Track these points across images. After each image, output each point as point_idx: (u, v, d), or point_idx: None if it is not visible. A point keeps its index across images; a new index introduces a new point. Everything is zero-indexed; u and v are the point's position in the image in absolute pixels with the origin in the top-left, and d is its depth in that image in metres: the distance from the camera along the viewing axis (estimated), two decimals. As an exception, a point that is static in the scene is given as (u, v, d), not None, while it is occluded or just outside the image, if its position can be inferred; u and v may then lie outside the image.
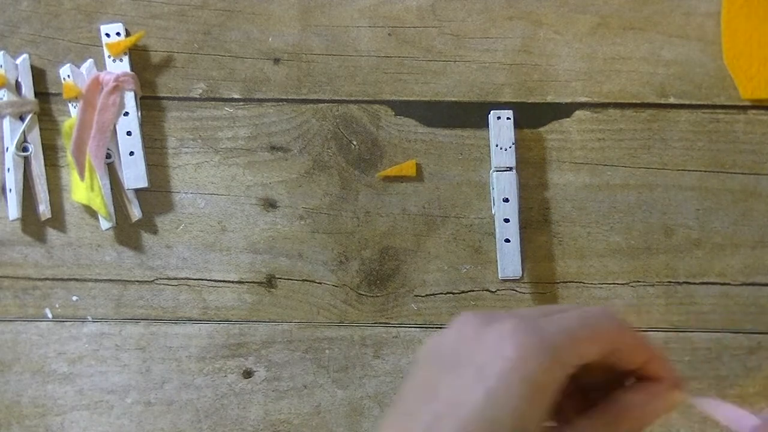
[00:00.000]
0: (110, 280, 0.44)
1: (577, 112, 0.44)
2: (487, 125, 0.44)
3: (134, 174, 0.43)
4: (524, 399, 0.28)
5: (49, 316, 0.44)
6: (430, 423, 0.29)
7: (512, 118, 0.43)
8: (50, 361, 0.43)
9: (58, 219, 0.44)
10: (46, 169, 0.44)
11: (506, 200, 0.42)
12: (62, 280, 0.44)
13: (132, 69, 0.44)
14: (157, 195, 0.44)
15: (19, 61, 0.44)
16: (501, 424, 0.28)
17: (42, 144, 0.44)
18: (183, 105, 0.45)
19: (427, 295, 0.43)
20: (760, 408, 0.42)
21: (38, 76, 0.45)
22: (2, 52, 0.44)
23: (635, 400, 0.32)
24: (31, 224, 0.44)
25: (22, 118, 0.44)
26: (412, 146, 0.44)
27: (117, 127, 0.44)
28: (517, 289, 0.43)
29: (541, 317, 0.30)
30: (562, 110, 0.44)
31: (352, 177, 0.44)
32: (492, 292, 0.43)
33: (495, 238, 0.42)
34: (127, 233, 0.44)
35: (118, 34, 0.44)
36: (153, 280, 0.44)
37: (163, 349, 0.43)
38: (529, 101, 0.44)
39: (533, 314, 0.31)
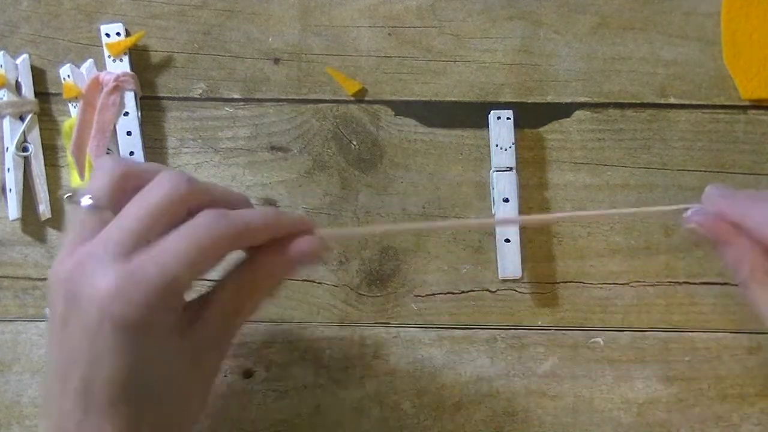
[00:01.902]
0: (110, 280, 0.44)
1: (577, 112, 0.44)
2: (487, 125, 0.44)
3: (134, 174, 0.43)
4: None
5: (49, 316, 0.43)
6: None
7: (512, 118, 0.43)
8: (50, 361, 0.43)
9: (58, 219, 0.44)
10: (46, 169, 0.44)
11: (506, 200, 0.42)
12: (62, 280, 0.44)
13: (132, 69, 0.44)
14: (157, 195, 0.44)
15: (19, 61, 0.44)
16: None
17: (42, 144, 0.44)
18: (183, 105, 0.45)
19: (427, 295, 0.43)
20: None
21: (38, 76, 0.45)
22: (2, 52, 0.44)
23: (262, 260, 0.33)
24: (31, 224, 0.44)
25: (22, 118, 0.44)
26: (412, 146, 0.44)
27: (117, 127, 0.44)
28: (517, 289, 0.43)
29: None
30: (562, 110, 0.44)
31: (352, 177, 0.44)
32: (492, 292, 0.43)
33: (495, 238, 0.42)
34: (127, 233, 0.44)
35: (118, 34, 0.44)
36: (153, 280, 0.44)
37: (163, 349, 0.43)
38: (529, 101, 0.44)
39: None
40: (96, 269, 0.29)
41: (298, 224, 0.34)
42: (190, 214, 0.31)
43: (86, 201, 0.32)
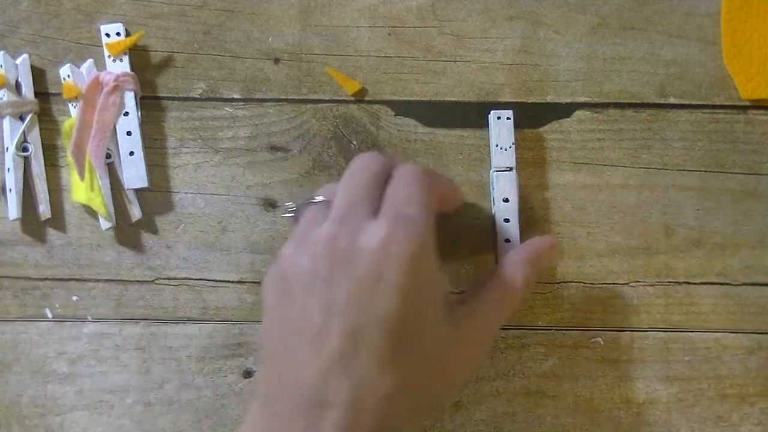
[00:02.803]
0: (110, 280, 0.44)
1: (577, 112, 0.44)
2: (487, 125, 0.44)
3: (134, 174, 0.43)
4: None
5: (49, 316, 0.44)
6: None
7: (512, 118, 0.43)
8: (50, 361, 0.43)
9: (58, 219, 0.44)
10: (46, 169, 0.44)
11: (506, 200, 0.42)
12: (62, 280, 0.44)
13: (132, 69, 0.44)
14: (157, 195, 0.44)
15: (19, 61, 0.44)
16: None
17: (42, 144, 0.44)
18: (183, 105, 0.45)
19: (427, 295, 0.43)
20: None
21: (38, 76, 0.45)
22: (2, 52, 0.44)
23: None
24: (31, 224, 0.44)
25: (22, 118, 0.44)
26: (412, 146, 0.44)
27: (117, 127, 0.44)
28: (517, 289, 0.43)
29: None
30: (562, 110, 0.44)
31: (352, 177, 0.44)
32: (492, 292, 0.43)
33: (495, 238, 0.42)
34: (127, 233, 0.44)
35: (118, 34, 0.44)
36: (153, 280, 0.44)
37: (163, 349, 0.43)
38: (529, 101, 0.44)
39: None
40: (359, 227, 0.32)
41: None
42: None
43: (319, 198, 0.36)
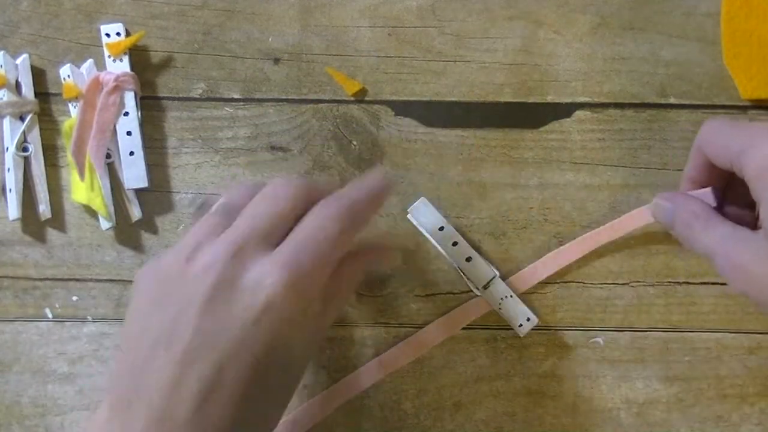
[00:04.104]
0: (110, 280, 0.44)
1: (577, 112, 0.44)
2: (487, 125, 0.44)
3: (134, 174, 0.43)
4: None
5: (49, 316, 0.44)
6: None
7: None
8: (50, 361, 0.43)
9: (58, 219, 0.44)
10: (46, 169, 0.44)
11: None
12: (62, 280, 0.44)
13: (132, 69, 0.44)
14: (157, 195, 0.44)
15: (19, 61, 0.44)
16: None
17: (42, 144, 0.44)
18: (183, 105, 0.45)
19: (427, 295, 0.43)
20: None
21: (38, 76, 0.45)
22: (2, 52, 0.44)
23: None
24: (31, 224, 0.44)
25: (22, 118, 0.44)
26: (412, 146, 0.44)
27: (117, 127, 0.44)
28: (517, 289, 0.43)
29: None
30: (562, 110, 0.44)
31: (352, 177, 0.44)
32: (492, 292, 0.43)
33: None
34: (127, 233, 0.44)
35: (118, 34, 0.44)
36: (153, 280, 0.44)
37: (163, 349, 0.43)
38: (529, 101, 0.44)
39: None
40: (249, 262, 0.31)
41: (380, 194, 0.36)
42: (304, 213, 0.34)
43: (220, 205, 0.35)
